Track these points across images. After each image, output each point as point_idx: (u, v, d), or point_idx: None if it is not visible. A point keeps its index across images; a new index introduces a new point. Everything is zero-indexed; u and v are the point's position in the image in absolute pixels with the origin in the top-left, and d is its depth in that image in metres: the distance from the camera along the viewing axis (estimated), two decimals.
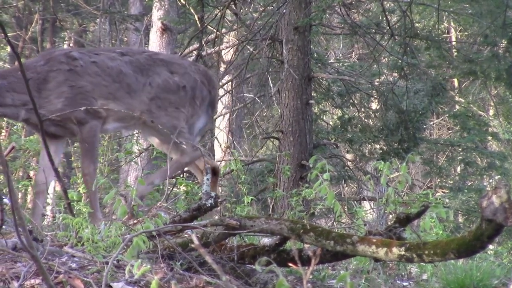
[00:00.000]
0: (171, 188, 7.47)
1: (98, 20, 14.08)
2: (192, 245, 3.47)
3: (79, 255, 3.38)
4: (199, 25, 8.90)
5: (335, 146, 9.71)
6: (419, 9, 10.86)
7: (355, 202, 9.44)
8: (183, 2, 10.41)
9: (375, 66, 9.54)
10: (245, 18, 9.79)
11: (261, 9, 9.93)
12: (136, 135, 8.57)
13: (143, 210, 4.28)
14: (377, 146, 9.88)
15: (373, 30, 9.28)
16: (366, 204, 11.15)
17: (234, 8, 9.15)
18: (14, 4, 14.80)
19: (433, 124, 14.35)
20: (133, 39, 13.14)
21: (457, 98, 13.00)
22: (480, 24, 9.25)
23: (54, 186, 9.23)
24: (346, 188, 11.26)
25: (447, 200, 10.11)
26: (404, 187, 4.07)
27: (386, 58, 10.11)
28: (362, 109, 10.07)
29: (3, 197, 4.37)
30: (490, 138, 11.45)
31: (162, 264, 3.34)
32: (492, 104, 13.63)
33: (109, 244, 3.36)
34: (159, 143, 5.12)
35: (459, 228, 9.50)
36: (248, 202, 5.52)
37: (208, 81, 5.16)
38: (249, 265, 3.79)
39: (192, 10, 9.32)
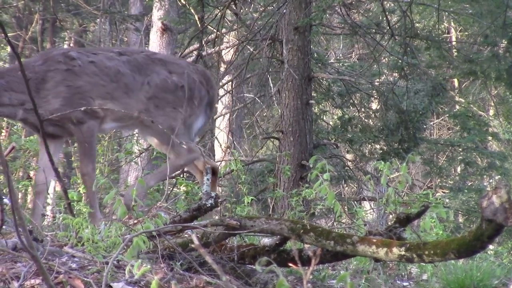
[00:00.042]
0: (171, 188, 7.48)
1: (98, 20, 14.08)
2: (192, 245, 3.47)
3: (79, 255, 3.38)
4: (199, 25, 8.90)
5: (335, 146, 9.71)
6: (419, 9, 10.87)
7: (355, 202, 9.44)
8: (183, 2, 10.41)
9: (375, 66, 9.54)
10: (245, 18, 9.79)
11: (261, 9, 9.93)
12: (136, 135, 8.56)
13: (143, 210, 4.28)
14: (377, 146, 9.87)
15: (373, 30, 9.28)
16: (366, 204, 11.15)
17: (234, 8, 9.15)
18: (14, 4, 14.80)
19: (433, 124, 14.35)
20: (133, 39, 13.14)
21: (457, 98, 13.00)
22: (480, 24, 9.25)
23: (54, 186, 9.22)
24: (346, 188, 11.26)
25: (447, 200, 10.12)
26: (404, 187, 4.07)
27: (386, 58, 10.11)
28: (362, 109, 10.07)
29: (3, 197, 4.37)
30: (490, 138, 11.45)
31: (162, 264, 3.34)
32: (492, 104, 13.63)
33: (109, 244, 3.36)
34: (157, 143, 5.12)
35: (459, 228, 9.50)
36: (248, 202, 5.52)
37: (206, 81, 5.15)
38: (249, 265, 3.79)
39: (192, 10, 9.32)
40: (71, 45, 16.51)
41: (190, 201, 5.54)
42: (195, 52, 9.65)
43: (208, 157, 5.18)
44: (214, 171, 5.01)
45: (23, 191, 8.93)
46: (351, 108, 10.23)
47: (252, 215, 5.33)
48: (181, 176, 7.32)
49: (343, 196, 9.63)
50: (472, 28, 11.18)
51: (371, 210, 10.14)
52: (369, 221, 7.44)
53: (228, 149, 9.28)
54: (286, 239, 3.68)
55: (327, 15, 10.10)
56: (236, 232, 3.65)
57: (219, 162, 9.32)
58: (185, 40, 11.45)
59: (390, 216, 6.86)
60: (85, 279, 3.01)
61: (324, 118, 10.72)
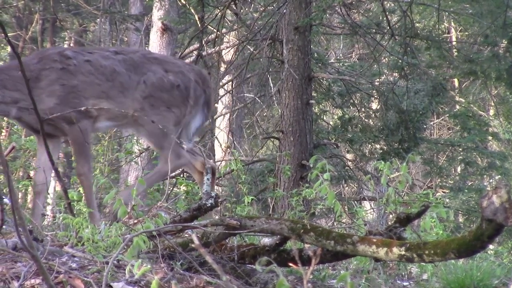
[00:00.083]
0: (171, 188, 7.48)
1: (98, 20, 14.08)
2: (193, 245, 3.47)
3: (79, 255, 3.38)
4: (199, 25, 8.90)
5: (335, 146, 9.71)
6: (420, 9, 10.87)
7: (356, 202, 9.44)
8: (184, 2, 10.42)
9: (375, 66, 9.54)
10: (246, 18, 9.80)
11: (261, 9, 9.93)
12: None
13: (143, 210, 4.28)
14: (378, 146, 9.88)
15: (374, 30, 9.28)
16: (367, 204, 11.15)
17: (235, 8, 9.15)
18: (15, 4, 14.80)
19: (434, 124, 14.36)
20: (134, 39, 13.14)
21: (457, 98, 13.00)
22: (481, 24, 9.25)
23: (54, 186, 9.23)
24: (347, 188, 11.26)
25: (447, 200, 10.11)
26: (405, 187, 4.07)
27: (386, 58, 10.11)
28: (363, 109, 10.07)
29: (4, 197, 4.37)
30: (490, 138, 11.45)
31: (162, 264, 3.34)
32: (493, 104, 13.63)
33: (109, 244, 3.36)
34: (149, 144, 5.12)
35: (459, 228, 9.50)
36: (248, 202, 5.52)
37: (202, 80, 5.13)
38: (250, 265, 3.79)
39: (192, 10, 9.32)
40: (71, 45, 16.51)
41: (190, 201, 5.54)
42: (195, 52, 9.65)
43: (205, 157, 5.17)
44: (213, 171, 5.01)
45: (23, 191, 8.93)
46: (351, 108, 10.23)
47: (252, 215, 5.33)
48: (181, 176, 7.32)
49: (343, 196, 9.62)
50: (472, 28, 11.19)
51: (371, 210, 10.14)
52: (369, 221, 7.44)
53: (228, 149, 9.28)
54: (286, 239, 3.68)
55: (327, 15, 10.10)
56: (236, 232, 3.65)
57: (219, 162, 9.33)
58: (185, 40, 11.45)
59: (390, 216, 6.86)
60: (85, 279, 3.01)
61: (324, 118, 10.72)
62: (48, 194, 6.01)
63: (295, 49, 8.39)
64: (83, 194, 4.75)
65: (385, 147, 9.61)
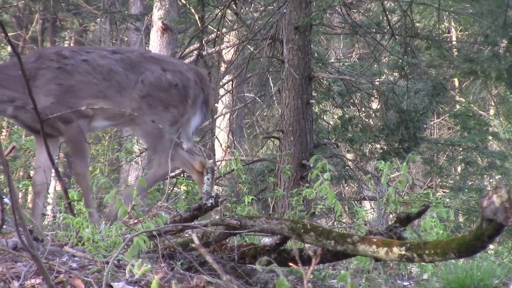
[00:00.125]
0: (171, 188, 7.48)
1: (98, 19, 14.08)
2: (193, 245, 3.47)
3: (80, 255, 3.38)
4: (199, 25, 8.90)
5: (335, 146, 9.71)
6: (420, 8, 10.86)
7: (356, 201, 9.44)
8: (184, 2, 10.42)
9: (375, 65, 9.54)
10: (246, 18, 9.80)
11: (261, 8, 9.93)
12: None
13: (144, 210, 4.28)
14: (378, 146, 9.88)
15: (374, 30, 9.28)
16: (367, 204, 11.15)
17: (235, 7, 9.15)
18: (15, 4, 14.80)
19: (434, 123, 14.36)
20: (134, 38, 13.14)
21: (457, 98, 13.00)
22: (481, 24, 9.25)
23: (54, 186, 9.23)
24: (347, 187, 11.26)
25: (447, 200, 10.11)
26: (405, 187, 4.07)
27: (386, 58, 10.11)
28: (363, 109, 10.08)
29: (4, 196, 4.37)
30: (490, 137, 11.45)
31: (162, 264, 3.35)
32: (493, 103, 13.63)
33: (109, 244, 3.36)
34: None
35: (459, 227, 9.50)
36: (248, 202, 5.52)
37: (200, 79, 5.11)
38: (250, 265, 3.79)
39: (192, 10, 9.33)
40: (72, 44, 16.51)
41: (191, 200, 5.54)
42: (196, 52, 9.65)
43: (205, 157, 5.17)
44: (211, 171, 4.99)
45: (23, 190, 8.94)
46: (351, 107, 10.23)
47: (253, 214, 5.33)
48: (182, 175, 7.32)
49: (343, 195, 9.62)
50: (473, 28, 11.19)
51: (372, 210, 10.13)
52: (369, 221, 7.44)
53: (228, 149, 9.28)
54: (286, 239, 3.68)
55: (328, 15, 10.10)
56: (236, 231, 3.65)
57: (220, 162, 9.33)
58: (186, 39, 11.45)
59: (391, 215, 6.86)
60: (86, 278, 3.01)
61: (325, 117, 10.72)
62: (49, 194, 6.02)
63: (295, 49, 8.39)
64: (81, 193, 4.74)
65: (385, 147, 9.62)
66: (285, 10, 8.46)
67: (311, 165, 3.98)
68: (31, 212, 4.75)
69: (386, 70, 10.25)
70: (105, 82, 4.74)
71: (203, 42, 9.16)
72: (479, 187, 10.62)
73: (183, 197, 5.77)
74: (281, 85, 8.52)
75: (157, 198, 5.51)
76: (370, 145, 9.90)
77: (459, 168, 12.78)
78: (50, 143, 4.62)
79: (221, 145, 10.35)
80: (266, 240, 3.79)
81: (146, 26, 12.78)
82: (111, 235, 3.39)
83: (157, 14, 11.82)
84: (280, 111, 8.77)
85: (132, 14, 12.77)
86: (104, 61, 4.78)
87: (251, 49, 9.55)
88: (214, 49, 9.91)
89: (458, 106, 12.47)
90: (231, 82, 10.01)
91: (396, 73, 9.97)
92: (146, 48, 12.11)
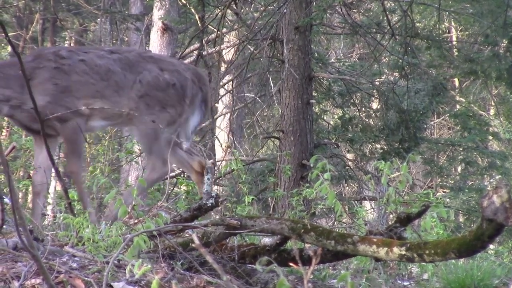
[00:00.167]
0: (171, 188, 7.48)
1: (99, 19, 14.08)
2: (193, 245, 3.47)
3: (80, 255, 3.38)
4: (199, 25, 8.90)
5: (335, 146, 9.71)
6: (420, 8, 10.86)
7: (356, 201, 9.44)
8: (184, 2, 10.42)
9: (375, 65, 9.54)
10: (246, 18, 9.79)
11: (261, 8, 9.92)
12: None
13: (144, 210, 4.28)
14: (378, 146, 9.87)
15: (374, 30, 9.28)
16: (367, 204, 11.15)
17: (235, 7, 9.15)
18: (15, 4, 14.80)
19: (434, 123, 14.36)
20: (134, 38, 13.14)
21: (457, 98, 13.00)
22: (481, 24, 9.25)
23: (54, 186, 9.22)
24: (347, 187, 11.26)
25: (447, 200, 10.11)
26: (405, 187, 4.07)
27: (386, 58, 10.11)
28: (363, 109, 10.07)
29: (4, 196, 4.37)
30: (490, 137, 11.46)
31: (162, 264, 3.34)
32: (493, 103, 13.63)
33: (109, 244, 3.36)
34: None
35: (459, 227, 9.50)
36: (248, 202, 5.52)
37: (198, 78, 5.11)
38: (250, 265, 3.79)
39: (192, 10, 9.33)
40: (72, 44, 16.51)
41: (191, 200, 5.54)
42: (196, 52, 9.65)
43: (205, 156, 5.17)
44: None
45: (23, 190, 8.93)
46: (351, 107, 10.23)
47: (253, 214, 5.33)
48: (182, 175, 7.32)
49: (343, 195, 9.62)
50: (473, 28, 11.19)
51: (372, 210, 10.14)
52: (369, 221, 7.44)
53: (228, 149, 9.27)
54: (286, 239, 3.68)
55: (328, 15, 10.09)
56: (236, 231, 3.64)
57: (220, 162, 9.33)
58: (186, 39, 11.44)
59: (391, 215, 6.86)
60: (86, 278, 3.01)
61: (325, 117, 10.72)
62: (49, 193, 6.02)
63: (295, 49, 8.39)
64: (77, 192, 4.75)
65: (385, 147, 9.61)
66: (285, 10, 8.46)
67: (311, 165, 3.98)
68: (31, 212, 4.75)
69: (386, 70, 10.26)
70: (103, 82, 4.74)
71: (203, 42, 9.15)
72: (479, 187, 10.62)
73: (183, 197, 5.77)
74: (281, 85, 8.52)
75: (157, 198, 5.51)
76: (370, 145, 9.90)
77: (459, 168, 12.78)
78: (49, 142, 4.62)
79: (221, 145, 10.35)
80: (266, 240, 3.79)
81: (146, 26, 12.78)
82: (111, 235, 3.39)
83: (157, 14, 11.82)
84: (280, 111, 8.77)
85: (132, 14, 12.77)
86: (102, 61, 4.78)
87: (251, 49, 9.55)
88: (214, 49, 9.91)
89: (458, 106, 12.47)
90: (231, 82, 10.00)
91: (396, 73, 9.97)
92: (146, 48, 12.12)
